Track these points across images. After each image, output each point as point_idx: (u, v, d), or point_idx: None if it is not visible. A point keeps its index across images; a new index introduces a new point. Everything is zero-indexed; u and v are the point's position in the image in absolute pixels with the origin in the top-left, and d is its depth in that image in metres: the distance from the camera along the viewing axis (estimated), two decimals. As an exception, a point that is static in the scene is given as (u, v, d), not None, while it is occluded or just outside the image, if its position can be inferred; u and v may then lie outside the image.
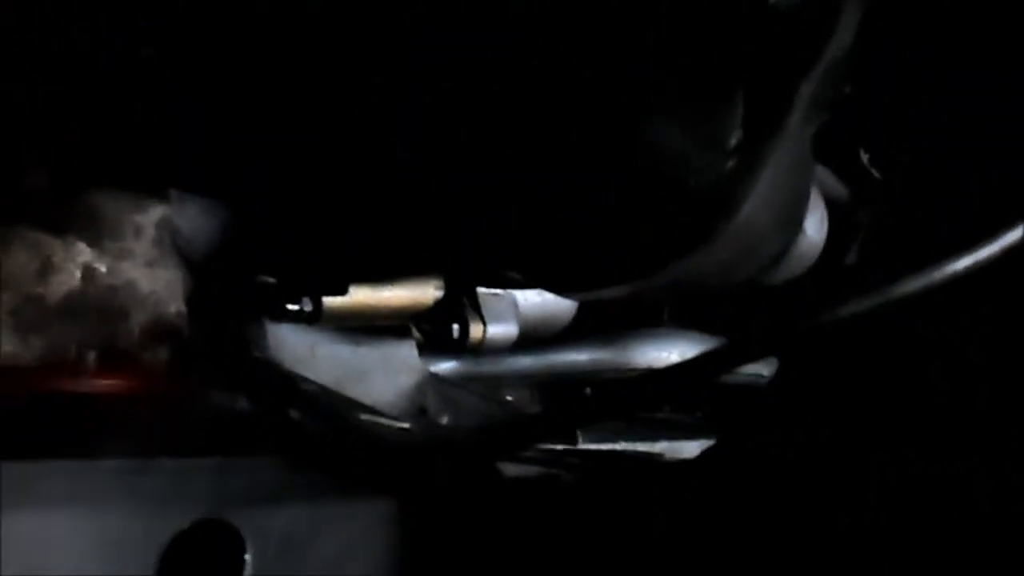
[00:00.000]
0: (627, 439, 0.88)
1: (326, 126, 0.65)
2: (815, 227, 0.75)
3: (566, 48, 0.57)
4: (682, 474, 0.86)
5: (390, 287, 0.82)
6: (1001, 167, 0.71)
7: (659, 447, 0.89)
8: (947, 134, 0.76)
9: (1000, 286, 0.66)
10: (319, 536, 0.72)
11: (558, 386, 0.97)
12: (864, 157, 0.84)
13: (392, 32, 0.58)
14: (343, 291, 0.79)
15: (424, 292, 0.83)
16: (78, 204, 0.75)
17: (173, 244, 0.76)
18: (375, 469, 0.74)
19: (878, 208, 0.81)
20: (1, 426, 0.66)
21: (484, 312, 0.87)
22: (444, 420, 0.84)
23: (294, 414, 0.74)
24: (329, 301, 0.79)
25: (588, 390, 0.97)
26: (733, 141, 0.59)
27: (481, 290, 0.87)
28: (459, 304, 0.87)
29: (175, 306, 0.76)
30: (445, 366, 0.89)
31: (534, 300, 0.90)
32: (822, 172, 0.82)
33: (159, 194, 0.76)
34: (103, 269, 0.75)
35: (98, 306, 0.75)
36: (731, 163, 0.59)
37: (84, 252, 0.75)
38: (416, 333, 0.87)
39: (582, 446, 0.84)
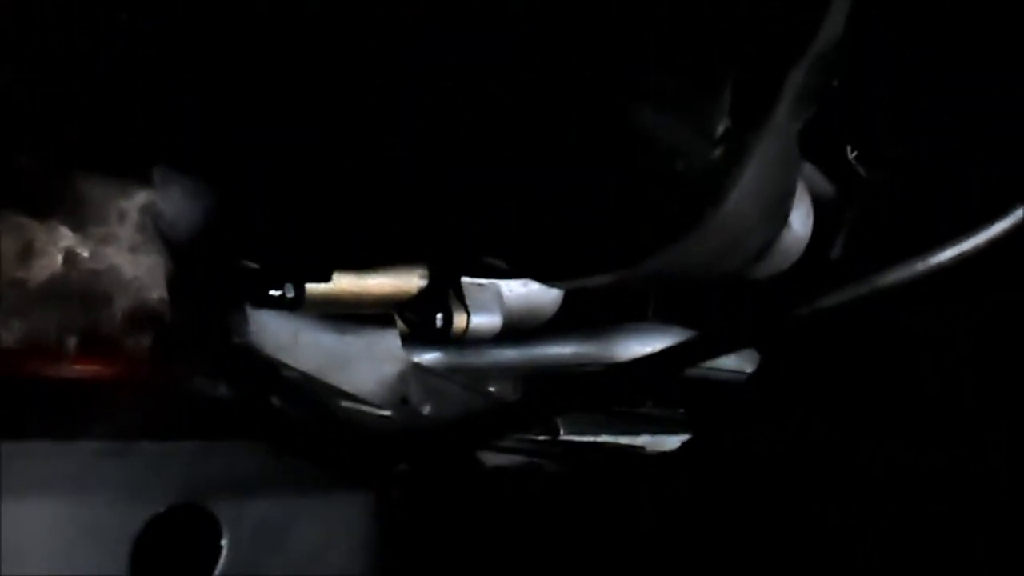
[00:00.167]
0: (609, 432, 0.87)
1: (318, 121, 0.65)
2: (801, 222, 0.75)
3: (554, 37, 0.57)
4: (669, 468, 0.86)
5: (374, 275, 0.81)
6: (991, 164, 0.71)
7: (641, 440, 0.89)
8: (937, 130, 0.76)
9: (985, 277, 0.66)
10: (297, 523, 0.71)
11: (541, 378, 0.97)
12: (851, 154, 0.84)
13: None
14: (326, 278, 0.79)
15: (408, 281, 0.83)
16: (62, 188, 0.75)
17: (155, 229, 0.76)
18: (355, 457, 0.73)
19: (864, 205, 0.81)
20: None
21: (468, 302, 0.87)
22: (426, 410, 0.84)
23: (274, 401, 0.74)
24: (312, 288, 0.78)
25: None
26: (720, 130, 0.58)
27: (466, 280, 0.87)
28: (443, 294, 0.86)
29: (158, 292, 0.76)
30: (428, 356, 0.89)
31: (519, 291, 0.90)
32: (809, 168, 0.82)
33: (143, 179, 0.75)
34: (85, 254, 0.75)
35: (80, 291, 0.74)
36: (718, 152, 0.58)
37: (66, 236, 0.74)
38: (400, 322, 0.87)
39: (564, 438, 0.84)
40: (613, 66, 0.57)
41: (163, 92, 0.65)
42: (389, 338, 0.85)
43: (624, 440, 0.88)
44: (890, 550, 0.71)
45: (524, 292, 0.90)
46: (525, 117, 0.59)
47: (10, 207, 0.73)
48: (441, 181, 0.63)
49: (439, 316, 0.86)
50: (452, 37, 0.57)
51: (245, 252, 0.78)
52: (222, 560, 0.70)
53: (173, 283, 0.75)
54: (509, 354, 0.93)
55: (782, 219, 0.70)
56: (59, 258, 0.74)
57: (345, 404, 0.77)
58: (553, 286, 0.83)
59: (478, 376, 0.93)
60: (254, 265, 0.78)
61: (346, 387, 0.81)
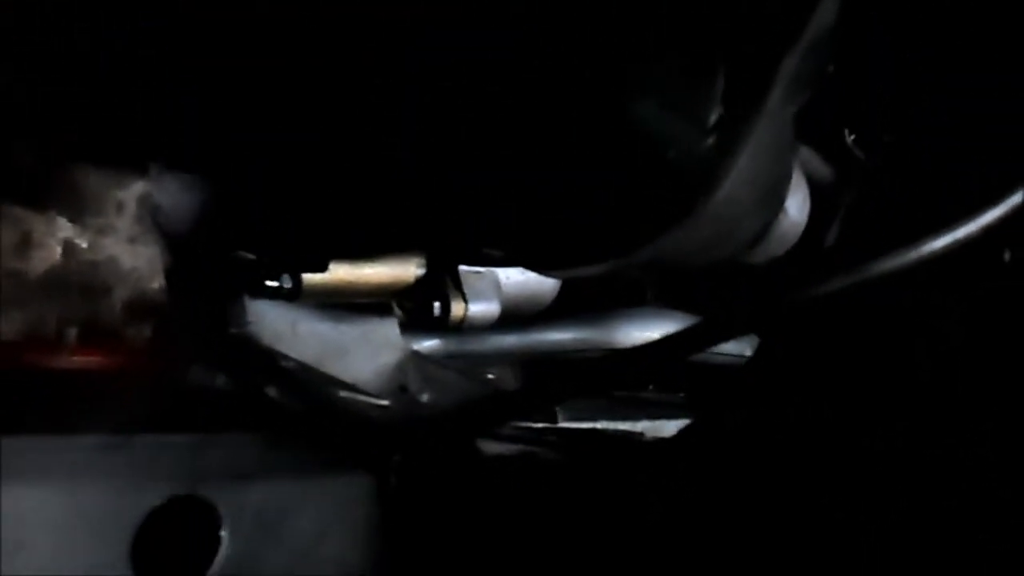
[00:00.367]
0: (608, 418, 0.87)
1: (317, 120, 0.65)
2: (797, 207, 0.75)
3: (548, 29, 0.57)
4: (668, 456, 0.86)
5: (371, 264, 0.81)
6: (987, 156, 0.71)
7: (640, 426, 0.89)
8: (935, 126, 0.76)
9: (979, 265, 0.66)
10: (296, 513, 0.72)
11: (541, 365, 0.97)
12: (849, 138, 0.83)
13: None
14: (323, 268, 0.79)
15: (405, 270, 0.83)
16: (60, 179, 0.75)
17: (153, 220, 0.76)
18: (353, 446, 0.74)
19: (862, 189, 0.80)
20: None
21: (466, 290, 0.87)
22: (425, 398, 0.84)
23: (272, 391, 0.74)
24: (309, 278, 0.78)
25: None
26: (713, 118, 0.58)
27: (463, 268, 0.87)
28: (440, 282, 0.86)
29: (157, 282, 0.76)
30: (427, 344, 0.89)
31: (516, 279, 0.90)
32: (807, 152, 0.82)
33: (140, 170, 0.75)
34: (84, 245, 0.75)
35: (79, 282, 0.75)
36: (711, 140, 0.58)
37: (65, 228, 0.74)
38: (398, 311, 0.87)
39: (562, 424, 0.84)
40: (604, 56, 0.57)
41: (163, 91, 0.65)
42: (387, 327, 0.85)
43: (623, 426, 0.88)
44: (887, 534, 0.71)
45: (522, 279, 0.90)
46: (517, 109, 0.59)
47: (8, 199, 0.73)
48: (437, 175, 0.63)
49: (437, 304, 0.86)
50: (451, 37, 0.57)
51: (242, 243, 0.79)
52: (222, 550, 0.70)
53: (170, 274, 0.76)
54: (508, 341, 0.93)
55: (777, 205, 0.70)
56: (58, 249, 0.74)
57: (342, 393, 0.78)
58: (548, 275, 0.83)
59: (477, 363, 0.93)
60: (251, 256, 0.78)
61: (344, 376, 0.81)
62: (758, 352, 0.82)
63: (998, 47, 0.71)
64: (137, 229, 0.76)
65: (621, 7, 0.57)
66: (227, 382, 0.76)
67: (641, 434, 0.89)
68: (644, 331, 0.96)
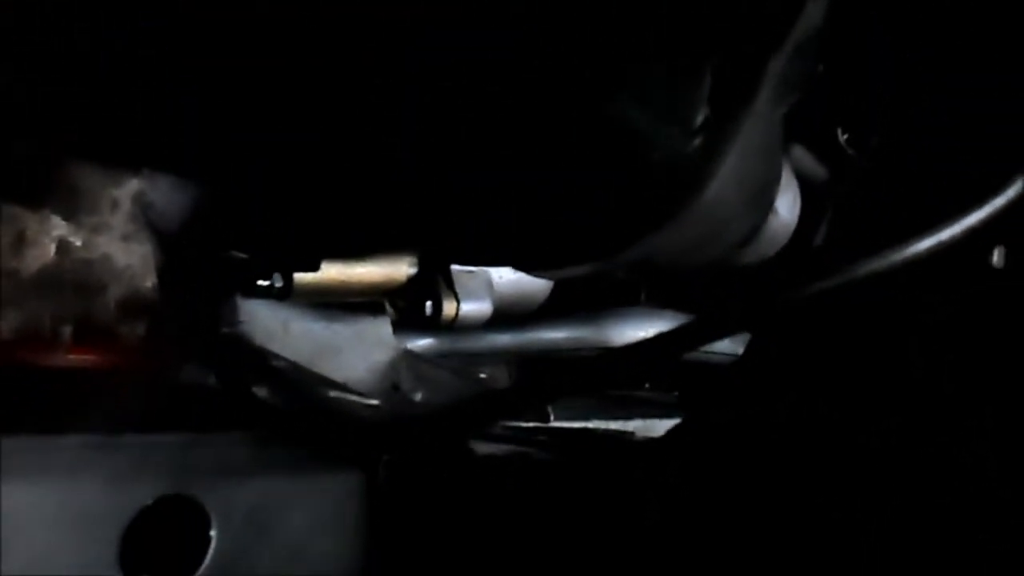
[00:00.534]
0: (601, 417, 0.87)
1: (314, 121, 0.65)
2: (788, 208, 0.75)
3: (537, 29, 0.57)
4: (661, 455, 0.86)
5: (362, 264, 0.81)
6: (979, 155, 0.71)
7: (633, 425, 0.89)
8: (930, 126, 0.75)
9: (965, 267, 0.66)
10: (285, 513, 0.72)
11: (535, 364, 0.97)
12: (842, 138, 0.83)
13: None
14: (314, 267, 0.79)
15: (397, 269, 0.83)
16: (55, 177, 0.75)
17: (145, 218, 0.76)
18: (342, 445, 0.74)
19: (854, 189, 0.80)
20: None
21: (458, 289, 0.87)
22: (418, 397, 0.84)
23: (261, 390, 0.74)
24: (300, 277, 0.78)
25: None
26: (699, 118, 0.58)
27: (455, 267, 0.87)
28: (432, 281, 0.86)
29: (151, 280, 0.76)
30: (420, 343, 0.89)
31: (509, 278, 0.90)
32: (799, 152, 0.82)
33: (135, 168, 0.76)
34: (78, 243, 0.75)
35: (73, 280, 0.75)
36: (697, 141, 0.58)
37: (59, 226, 0.75)
38: (390, 310, 0.87)
39: (554, 424, 0.84)
40: (590, 56, 0.57)
41: (162, 91, 0.65)
42: (380, 326, 0.85)
43: (615, 425, 0.88)
44: (881, 531, 0.71)
45: (514, 279, 0.90)
46: (506, 109, 0.59)
47: (3, 197, 0.73)
48: (433, 175, 0.63)
49: (428, 304, 0.86)
50: (450, 37, 0.57)
51: (233, 241, 0.79)
52: (211, 550, 0.70)
53: (162, 273, 0.76)
54: (502, 340, 0.93)
55: (767, 206, 0.70)
56: (52, 248, 0.74)
57: (332, 393, 0.78)
58: (536, 275, 0.83)
59: (471, 362, 0.93)
60: (242, 255, 0.78)
61: (337, 375, 0.81)
62: (748, 350, 0.82)
63: (995, 47, 0.71)
64: (131, 227, 0.76)
65: (607, 7, 0.57)
66: (217, 381, 0.76)
67: (632, 434, 0.89)
68: (638, 330, 0.96)
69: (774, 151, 0.66)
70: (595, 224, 0.60)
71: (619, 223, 0.60)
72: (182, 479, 0.69)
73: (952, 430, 0.70)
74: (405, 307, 0.86)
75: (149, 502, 0.68)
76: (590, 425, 0.87)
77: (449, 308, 0.86)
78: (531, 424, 0.83)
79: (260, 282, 0.78)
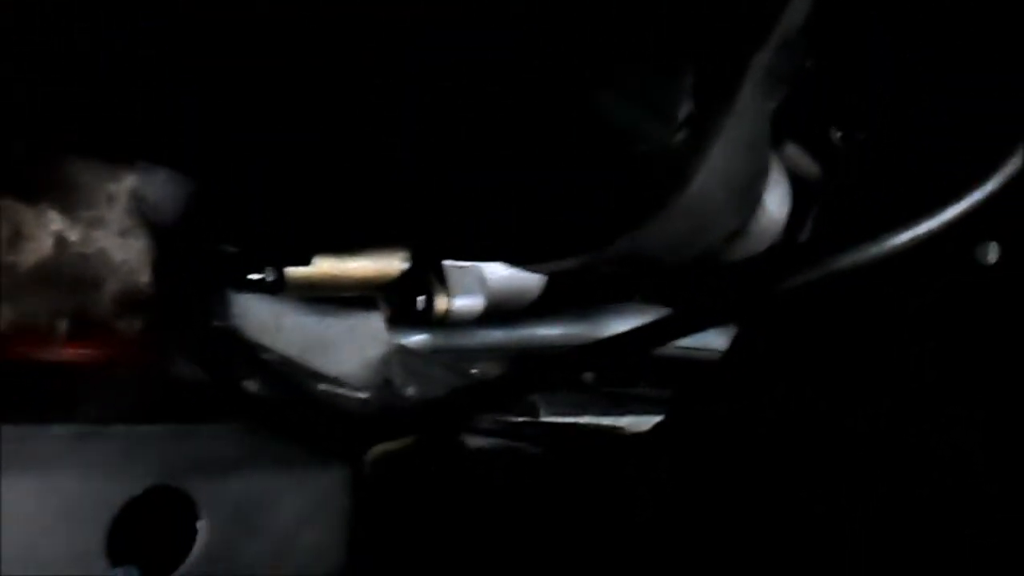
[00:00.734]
0: (591, 413, 0.87)
1: (312, 121, 0.65)
2: (777, 203, 0.74)
3: (531, 25, 0.57)
4: (650, 450, 0.86)
5: (354, 258, 0.82)
6: (968, 152, 0.71)
7: (623, 421, 0.89)
8: (923, 117, 0.75)
9: (946, 260, 0.66)
10: (273, 505, 0.72)
11: (527, 360, 0.97)
12: (836, 135, 0.83)
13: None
14: (306, 261, 0.79)
15: (389, 264, 0.83)
16: (51, 172, 0.75)
17: (139, 212, 0.76)
18: (331, 439, 0.74)
19: (845, 184, 0.80)
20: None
21: (450, 284, 0.87)
22: (409, 391, 0.84)
23: (251, 384, 0.74)
24: (292, 271, 0.79)
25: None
26: (683, 114, 0.58)
27: (447, 263, 0.87)
28: (424, 276, 0.86)
29: (147, 275, 0.77)
30: (413, 338, 0.89)
31: (501, 273, 0.90)
32: (791, 148, 0.82)
33: (131, 163, 0.76)
34: (74, 238, 0.75)
35: (70, 275, 0.75)
36: (681, 136, 0.58)
37: (56, 220, 0.75)
38: (383, 305, 0.87)
39: (545, 419, 0.84)
40: (573, 51, 0.57)
41: (162, 90, 0.65)
42: (372, 321, 0.86)
43: (606, 421, 0.88)
44: (871, 522, 0.71)
45: (507, 274, 0.90)
46: (494, 107, 0.59)
47: (0, 192, 0.73)
48: (429, 173, 0.63)
49: (420, 299, 0.86)
50: (449, 37, 0.58)
51: (225, 235, 0.79)
52: (199, 541, 0.70)
53: (156, 266, 0.76)
54: (495, 335, 0.93)
55: (753, 201, 0.70)
56: (48, 242, 0.74)
57: (322, 386, 0.78)
58: (524, 269, 0.83)
59: (464, 358, 0.93)
60: (234, 249, 0.79)
61: (329, 369, 0.81)
62: (734, 344, 0.82)
63: (993, 46, 0.71)
64: (128, 222, 0.77)
65: (593, 5, 0.57)
66: (208, 374, 0.76)
67: (623, 429, 0.89)
68: (631, 326, 0.95)
69: (761, 146, 0.67)
70: (581, 217, 0.60)
71: (605, 216, 0.60)
72: (171, 470, 0.69)
73: (938, 420, 0.70)
74: (398, 302, 0.87)
75: (138, 493, 0.68)
76: (581, 420, 0.87)
77: (441, 303, 0.86)
78: (521, 419, 0.84)
79: (252, 276, 0.78)
